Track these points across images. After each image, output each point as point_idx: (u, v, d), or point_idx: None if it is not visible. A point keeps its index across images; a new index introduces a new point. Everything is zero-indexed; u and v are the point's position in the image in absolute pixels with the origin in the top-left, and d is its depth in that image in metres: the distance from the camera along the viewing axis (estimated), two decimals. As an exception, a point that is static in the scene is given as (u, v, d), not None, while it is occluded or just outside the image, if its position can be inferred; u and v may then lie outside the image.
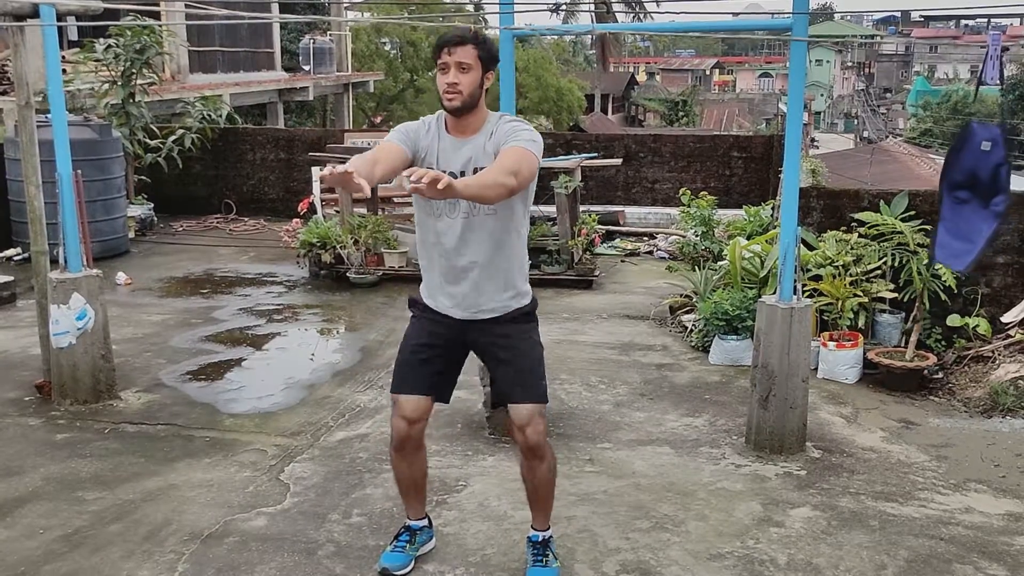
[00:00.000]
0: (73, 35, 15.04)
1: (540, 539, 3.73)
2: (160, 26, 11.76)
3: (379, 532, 4.10)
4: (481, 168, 3.34)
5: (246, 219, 12.68)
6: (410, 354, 3.62)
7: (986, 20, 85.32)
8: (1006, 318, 6.37)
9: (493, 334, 3.55)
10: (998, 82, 4.40)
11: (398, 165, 3.34)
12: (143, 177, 11.95)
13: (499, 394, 3.63)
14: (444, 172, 3.31)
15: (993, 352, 6.40)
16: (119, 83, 11.28)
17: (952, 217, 4.70)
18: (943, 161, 4.84)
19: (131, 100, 11.38)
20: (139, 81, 11.54)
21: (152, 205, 11.84)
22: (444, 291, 3.54)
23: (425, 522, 3.91)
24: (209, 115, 12.36)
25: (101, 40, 11.28)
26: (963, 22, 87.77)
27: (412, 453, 3.68)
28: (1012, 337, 6.46)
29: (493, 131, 3.39)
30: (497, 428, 5.19)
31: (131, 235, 10.87)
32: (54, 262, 5.71)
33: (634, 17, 44.80)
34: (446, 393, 3.70)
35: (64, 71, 9.60)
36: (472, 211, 3.39)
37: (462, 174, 3.34)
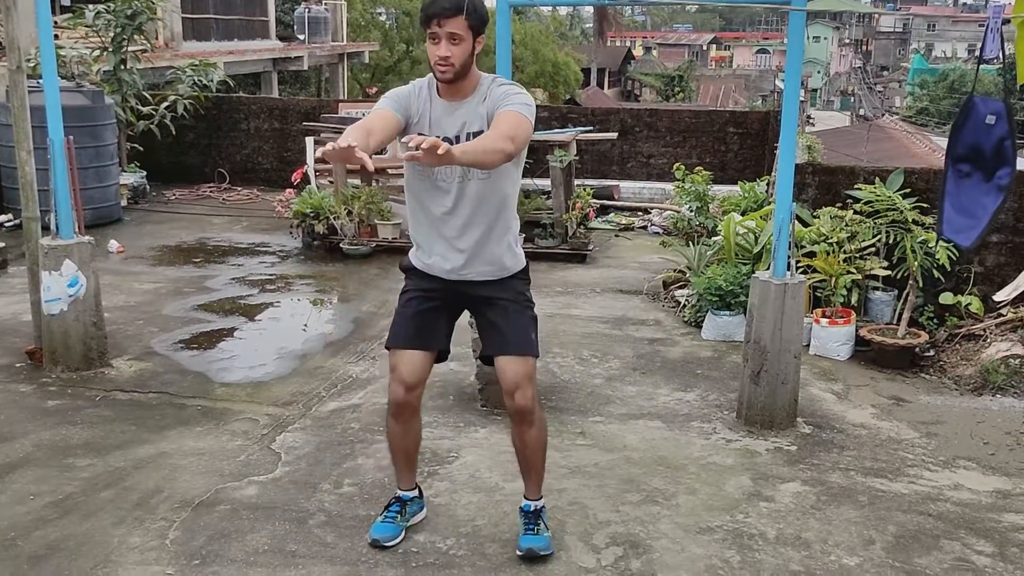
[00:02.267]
0: (66, 1, 14.90)
1: (532, 508, 3.74)
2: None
3: (370, 502, 4.11)
4: (475, 132, 3.32)
5: (239, 188, 12.63)
6: (405, 313, 3.62)
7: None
8: (998, 297, 6.39)
9: (487, 291, 3.55)
10: (998, 57, 4.36)
11: (392, 132, 3.33)
12: (136, 145, 11.88)
13: (488, 348, 3.59)
14: (438, 137, 3.29)
15: (985, 331, 6.42)
16: (110, 49, 11.19)
17: (956, 192, 4.67)
18: (948, 137, 4.80)
19: (123, 67, 11.29)
20: (131, 48, 11.44)
21: (145, 173, 11.76)
22: (437, 257, 3.54)
23: (416, 493, 3.92)
24: (200, 81, 12.26)
25: (92, 6, 11.17)
26: (961, 1, 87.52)
27: (408, 420, 3.69)
28: (1004, 316, 6.47)
29: (486, 95, 3.37)
30: (489, 401, 5.20)
31: (124, 203, 10.79)
32: (46, 229, 5.68)
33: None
34: (443, 347, 3.65)
35: (56, 36, 9.52)
36: (466, 177, 3.38)
37: (456, 138, 3.33)
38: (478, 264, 3.50)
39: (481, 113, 3.35)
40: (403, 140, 2.83)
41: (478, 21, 3.27)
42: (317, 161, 10.76)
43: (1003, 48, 4.32)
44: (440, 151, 2.76)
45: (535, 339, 3.58)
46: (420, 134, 3.27)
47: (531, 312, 3.62)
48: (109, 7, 11.05)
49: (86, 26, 11.17)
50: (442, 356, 3.68)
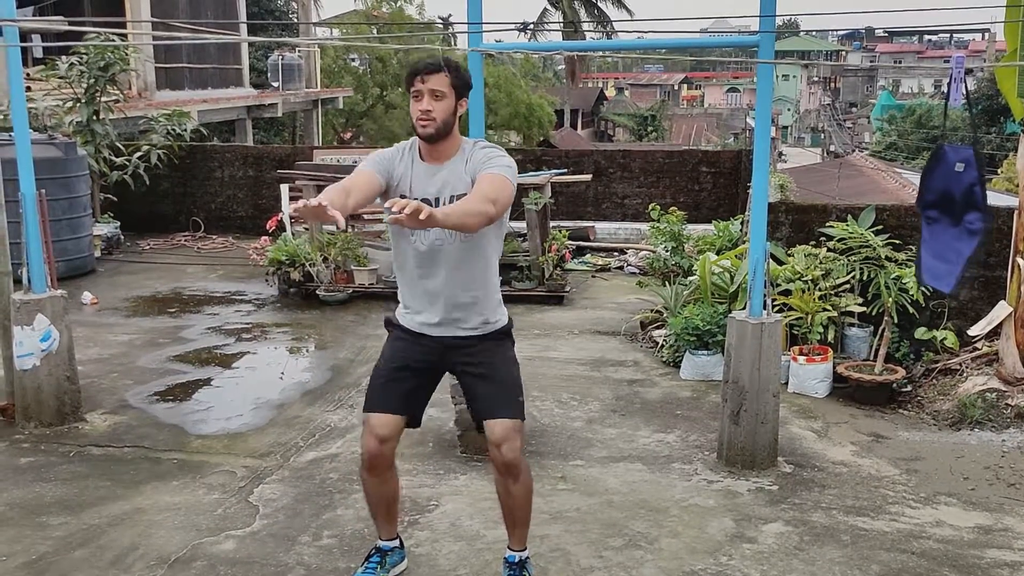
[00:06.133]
0: (39, 53, 14.89)
1: (517, 560, 3.70)
2: (125, 44, 11.67)
3: (350, 554, 4.06)
4: (458, 195, 3.34)
5: (214, 237, 12.58)
6: (384, 375, 3.61)
7: (948, 35, 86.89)
8: (973, 331, 6.43)
9: (469, 353, 3.54)
10: (964, 103, 4.45)
11: (372, 193, 3.35)
12: (109, 195, 11.83)
13: (475, 412, 3.60)
14: (419, 199, 3.28)
15: (961, 365, 6.46)
16: (83, 101, 11.18)
17: (931, 238, 4.74)
18: (919, 183, 4.88)
19: (96, 118, 11.27)
20: (104, 98, 11.43)
21: (119, 223, 11.70)
22: (420, 312, 3.54)
23: (396, 543, 3.87)
24: (174, 130, 12.25)
25: (64, 58, 11.17)
26: (926, 37, 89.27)
27: (383, 473, 3.64)
28: (979, 350, 6.52)
29: (468, 158, 3.39)
30: (469, 447, 5.16)
31: (97, 254, 10.73)
32: (18, 282, 5.62)
33: (602, 35, 45.04)
34: (418, 414, 3.67)
35: (28, 89, 9.51)
36: (447, 237, 3.39)
37: (437, 200, 3.35)
38: (458, 324, 3.51)
39: (463, 176, 3.37)
40: (386, 205, 2.84)
41: (460, 81, 3.33)
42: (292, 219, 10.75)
43: (968, 93, 4.40)
44: (422, 216, 2.78)
45: (522, 397, 3.57)
46: (402, 196, 3.29)
47: (515, 370, 3.60)
48: (82, 58, 11.05)
49: (59, 77, 11.17)
50: (414, 422, 3.66)
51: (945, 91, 4.58)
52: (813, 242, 7.01)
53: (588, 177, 11.99)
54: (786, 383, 6.37)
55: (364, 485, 3.72)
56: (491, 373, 3.53)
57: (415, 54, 28.11)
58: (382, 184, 3.38)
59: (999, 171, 22.36)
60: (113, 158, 11.59)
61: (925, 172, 4.79)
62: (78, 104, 11.22)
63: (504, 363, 3.57)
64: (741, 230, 8.70)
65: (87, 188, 10.39)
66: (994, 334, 6.34)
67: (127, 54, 11.69)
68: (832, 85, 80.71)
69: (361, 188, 3.28)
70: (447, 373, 3.73)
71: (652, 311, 7.96)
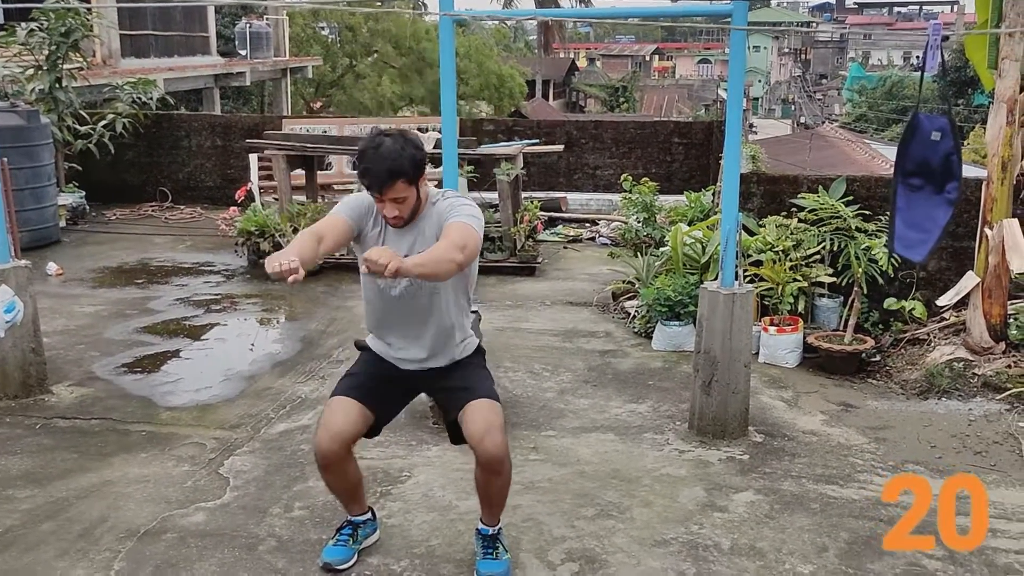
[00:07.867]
0: (-1, 18, 14.58)
1: (490, 532, 3.70)
2: (86, 8, 11.43)
3: (322, 525, 4.04)
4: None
5: (182, 207, 12.42)
6: (355, 377, 3.68)
7: (918, 7, 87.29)
8: (941, 301, 6.48)
9: (443, 378, 3.64)
10: (936, 71, 4.46)
11: (343, 240, 3.46)
12: (74, 164, 11.63)
13: (453, 407, 3.59)
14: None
15: (929, 335, 6.52)
16: (45, 68, 10.95)
17: (907, 207, 4.75)
18: (896, 154, 4.87)
19: (59, 85, 11.05)
20: (66, 66, 11.20)
21: (84, 193, 11.52)
22: (393, 350, 3.64)
23: (368, 515, 3.86)
24: (140, 99, 12.05)
25: (24, 24, 10.92)
26: (895, 9, 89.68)
27: (339, 469, 3.61)
28: (947, 320, 6.58)
29: (436, 212, 3.46)
30: (441, 418, 5.14)
31: (62, 224, 10.56)
32: (-20, 253, 5.52)
33: (577, 2, 44.84)
34: (382, 421, 3.70)
35: (-11, 55, 9.30)
36: (417, 286, 3.48)
37: (406, 257, 3.39)
38: (433, 358, 3.61)
39: (428, 233, 3.44)
40: (363, 257, 2.99)
41: (415, 171, 3.34)
42: (261, 178, 10.65)
43: (943, 60, 4.41)
44: (393, 267, 2.94)
45: (496, 392, 3.61)
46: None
47: (489, 377, 3.68)
48: (42, 24, 10.81)
49: (19, 44, 10.92)
50: (376, 429, 3.69)
51: (914, 63, 4.60)
52: (784, 213, 7.03)
53: (560, 148, 11.95)
54: (757, 353, 6.40)
55: (323, 479, 3.69)
56: (464, 383, 3.59)
57: (385, 22, 27.80)
58: (354, 230, 3.47)
59: (966, 142, 22.58)
60: (77, 127, 11.38)
61: (903, 141, 4.80)
62: (40, 71, 10.99)
63: (478, 374, 3.65)
64: (713, 201, 8.70)
65: (51, 157, 10.20)
66: (962, 304, 6.39)
67: (90, 20, 11.45)
68: (803, 57, 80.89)
69: (333, 235, 3.39)
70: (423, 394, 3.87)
71: (624, 282, 7.96)
